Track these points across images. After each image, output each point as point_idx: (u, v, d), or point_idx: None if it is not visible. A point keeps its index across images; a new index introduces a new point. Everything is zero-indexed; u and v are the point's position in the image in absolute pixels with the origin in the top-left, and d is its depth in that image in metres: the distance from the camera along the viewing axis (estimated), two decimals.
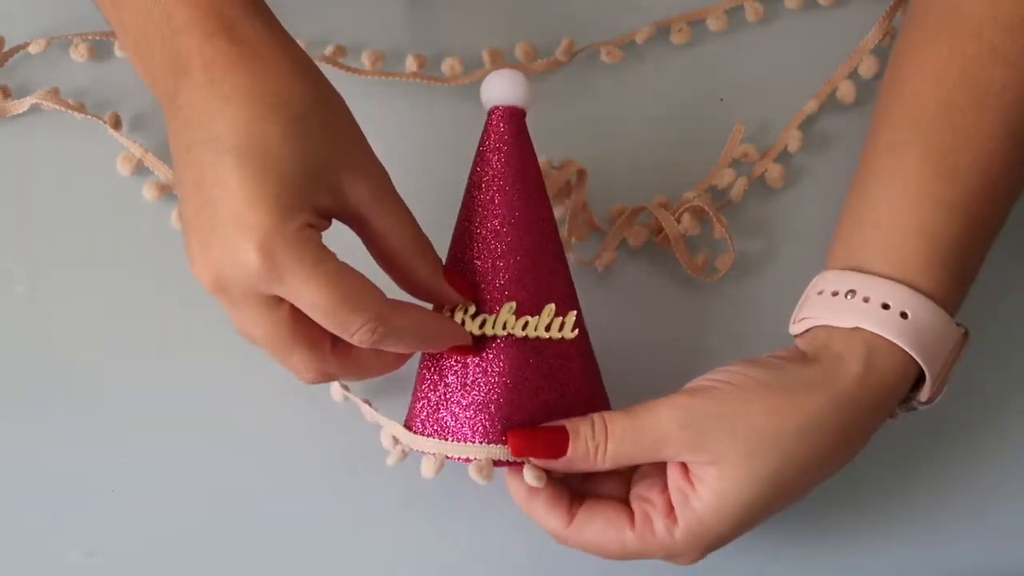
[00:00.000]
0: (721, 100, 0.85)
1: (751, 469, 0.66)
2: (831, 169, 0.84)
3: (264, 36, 0.62)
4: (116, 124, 0.82)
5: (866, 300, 0.68)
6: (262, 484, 0.78)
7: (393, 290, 0.66)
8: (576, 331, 0.70)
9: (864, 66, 0.84)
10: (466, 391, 0.69)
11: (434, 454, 0.70)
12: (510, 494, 0.71)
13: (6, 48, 0.83)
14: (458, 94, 0.84)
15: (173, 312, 0.80)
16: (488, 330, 0.69)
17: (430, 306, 0.69)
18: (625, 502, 0.70)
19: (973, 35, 0.71)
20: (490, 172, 0.70)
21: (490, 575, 0.79)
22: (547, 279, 0.70)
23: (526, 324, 0.69)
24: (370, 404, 0.74)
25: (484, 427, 0.69)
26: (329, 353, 0.65)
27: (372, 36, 0.85)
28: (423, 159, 0.82)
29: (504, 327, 0.69)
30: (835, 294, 0.70)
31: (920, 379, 0.70)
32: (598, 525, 0.69)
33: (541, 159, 0.74)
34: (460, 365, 0.69)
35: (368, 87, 0.83)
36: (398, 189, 0.66)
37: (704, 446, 0.67)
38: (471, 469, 0.68)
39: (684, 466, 0.68)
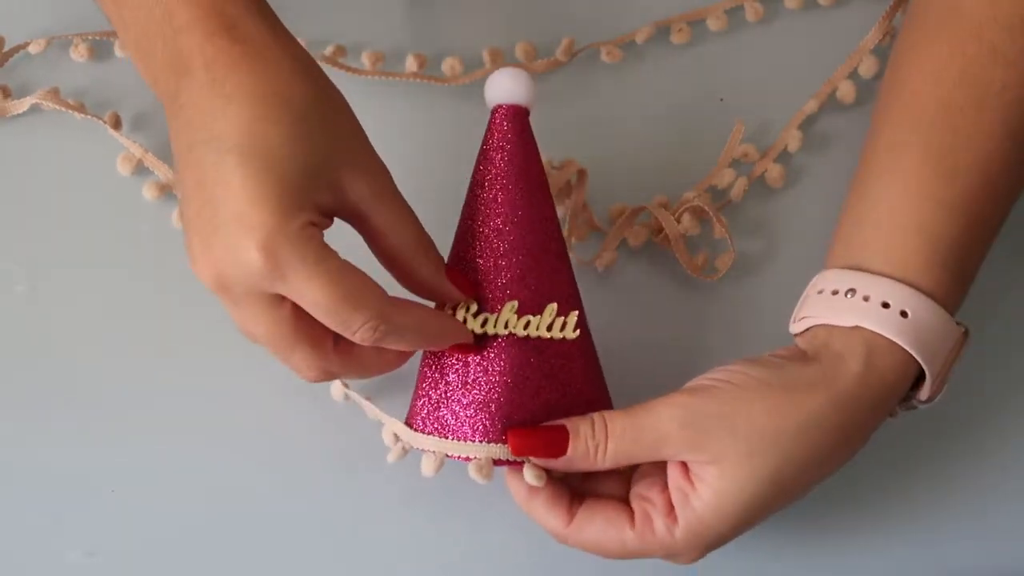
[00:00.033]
0: (721, 100, 0.85)
1: (751, 468, 0.66)
2: (831, 169, 0.84)
3: (266, 35, 0.63)
4: (116, 124, 0.82)
5: (866, 299, 0.68)
6: (262, 483, 0.78)
7: (395, 289, 0.66)
8: (577, 331, 0.70)
9: (864, 66, 0.84)
10: (467, 390, 0.69)
11: (434, 452, 0.70)
12: (510, 493, 0.71)
13: (6, 48, 0.83)
14: (458, 94, 0.84)
15: (173, 312, 0.80)
16: (490, 329, 0.69)
17: (432, 304, 0.69)
18: (625, 501, 0.70)
19: (973, 35, 0.71)
20: (493, 171, 0.70)
21: (490, 574, 0.79)
22: (549, 278, 0.70)
23: (528, 323, 0.69)
24: (371, 401, 0.74)
25: (484, 426, 0.69)
26: (331, 351, 0.65)
27: (372, 36, 0.85)
28: (423, 159, 0.82)
29: (506, 326, 0.69)
30: (835, 293, 0.70)
31: (920, 378, 0.70)
32: (598, 524, 0.69)
33: (542, 159, 0.74)
34: (461, 364, 0.69)
35: (368, 87, 0.83)
36: (398, 189, 0.66)
37: (704, 445, 0.67)
38: (471, 468, 0.68)
39: (684, 465, 0.68)
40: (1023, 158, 0.71)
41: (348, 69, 0.82)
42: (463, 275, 0.69)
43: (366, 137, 0.66)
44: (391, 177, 0.66)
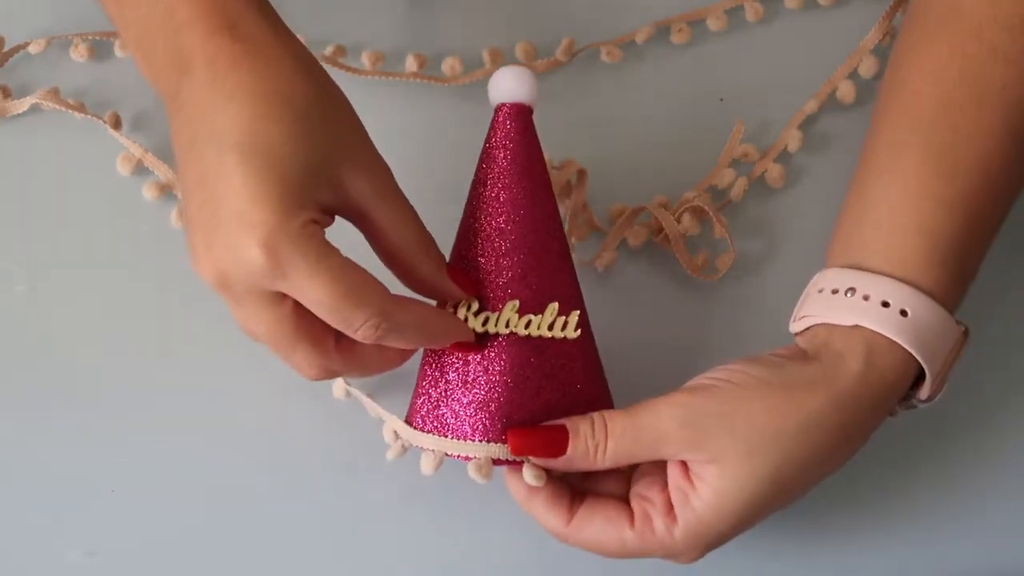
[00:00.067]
0: (721, 100, 0.85)
1: (751, 467, 0.66)
2: (831, 169, 0.84)
3: (267, 33, 0.63)
4: (116, 124, 0.82)
5: (866, 298, 0.68)
6: (262, 483, 0.78)
7: (396, 288, 0.66)
8: (579, 331, 0.70)
9: (864, 66, 0.84)
10: (467, 389, 0.69)
11: (433, 451, 0.70)
12: (510, 492, 0.71)
13: (6, 48, 0.83)
14: (458, 94, 0.84)
15: (173, 312, 0.80)
16: (491, 328, 0.69)
17: (433, 303, 0.69)
18: (625, 500, 0.70)
19: (973, 35, 0.71)
20: (496, 169, 0.70)
21: (490, 573, 0.79)
22: (551, 278, 0.70)
23: (529, 323, 0.69)
24: (372, 399, 0.74)
25: (484, 425, 0.69)
26: (332, 350, 0.65)
27: (372, 36, 0.85)
28: (423, 159, 0.82)
29: (507, 325, 0.69)
30: (835, 292, 0.70)
31: (920, 377, 0.70)
32: (598, 524, 0.69)
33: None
34: (461, 362, 0.69)
35: (368, 87, 0.83)
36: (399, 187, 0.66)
37: (704, 444, 0.67)
38: (470, 468, 0.68)
39: (684, 465, 0.68)
40: (1023, 156, 0.71)
41: (348, 69, 0.82)
42: (464, 274, 0.69)
43: (367, 135, 0.66)
44: (392, 175, 0.66)
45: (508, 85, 0.71)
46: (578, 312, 0.70)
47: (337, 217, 0.65)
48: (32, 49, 0.83)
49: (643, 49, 0.86)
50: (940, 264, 0.69)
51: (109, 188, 0.82)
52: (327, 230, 0.63)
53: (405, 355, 0.70)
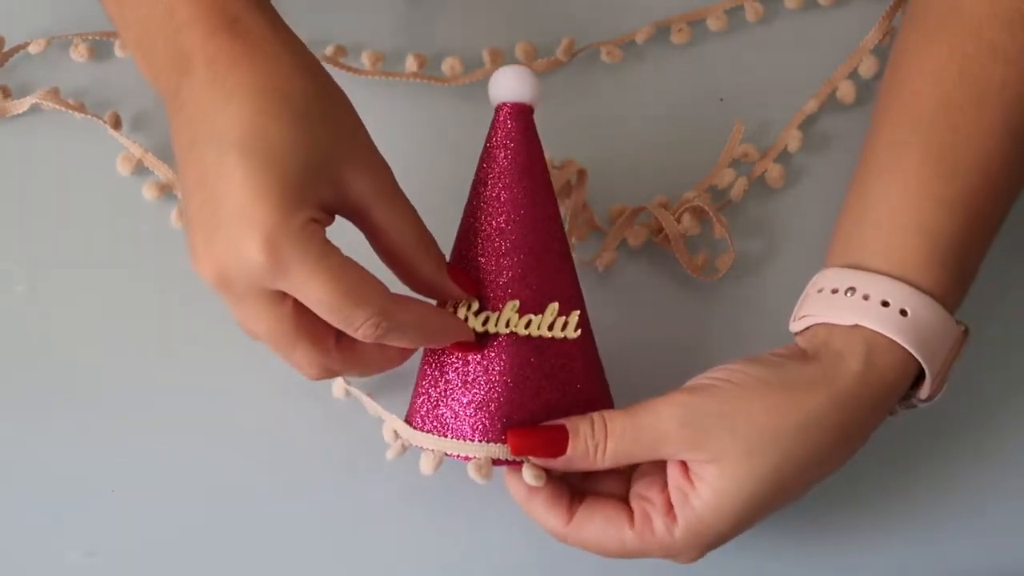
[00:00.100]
0: (721, 100, 0.85)
1: (751, 467, 0.66)
2: (831, 169, 0.84)
3: (266, 31, 0.63)
4: (116, 124, 0.82)
5: (866, 297, 0.68)
6: (262, 483, 0.78)
7: (396, 288, 0.66)
8: (579, 331, 0.70)
9: (864, 66, 0.84)
10: (467, 389, 0.69)
11: (433, 451, 0.70)
12: (510, 492, 0.71)
13: (6, 48, 0.83)
14: (458, 94, 0.84)
15: (173, 312, 0.80)
16: (491, 327, 0.69)
17: (434, 303, 0.69)
18: (625, 500, 0.70)
19: (973, 33, 0.71)
20: (496, 169, 0.70)
21: (490, 573, 0.79)
22: (551, 278, 0.70)
23: (529, 322, 0.69)
24: (372, 399, 0.74)
25: (484, 425, 0.69)
26: (333, 349, 0.65)
27: (372, 36, 0.85)
28: (423, 159, 0.82)
29: (507, 325, 0.69)
30: (835, 292, 0.70)
31: (920, 376, 0.70)
32: (597, 524, 0.69)
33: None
34: (461, 362, 0.69)
35: (368, 87, 0.83)
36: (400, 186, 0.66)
37: (704, 444, 0.66)
38: (470, 468, 0.68)
39: (684, 464, 0.68)
40: (1023, 155, 0.71)
41: (348, 69, 0.82)
42: (465, 273, 0.69)
43: (367, 133, 0.66)
44: (392, 174, 0.66)
45: (509, 84, 0.71)
46: (578, 312, 0.70)
47: (337, 216, 0.65)
48: (32, 49, 0.83)
49: (643, 49, 0.86)
50: (940, 264, 0.69)
51: (109, 188, 0.82)
52: (327, 229, 0.63)
53: (405, 354, 0.70)
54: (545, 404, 0.69)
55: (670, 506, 0.68)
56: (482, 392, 0.69)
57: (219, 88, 0.61)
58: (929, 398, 0.71)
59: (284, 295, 0.62)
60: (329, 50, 0.83)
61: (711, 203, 0.80)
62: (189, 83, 0.62)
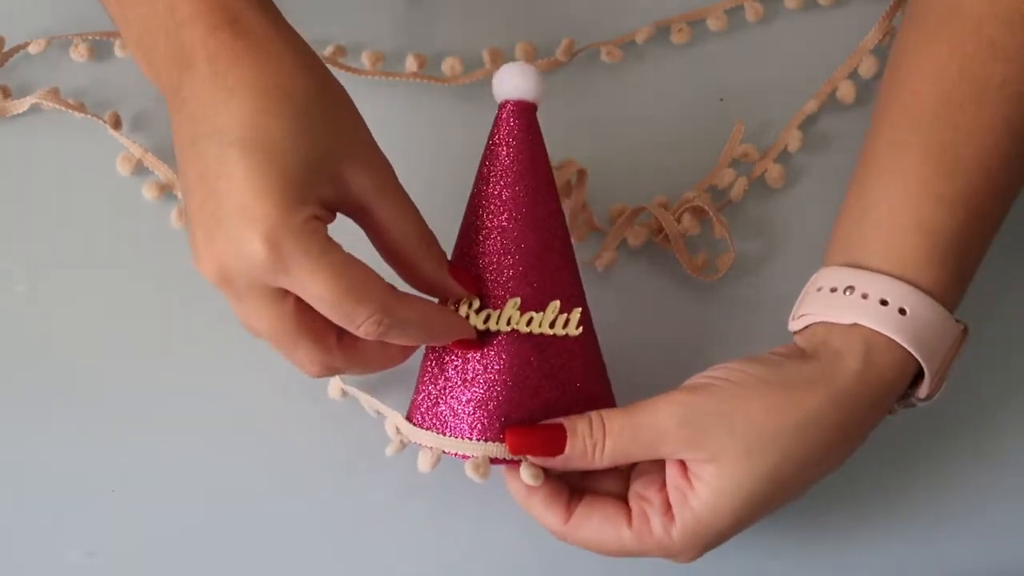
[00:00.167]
0: (721, 100, 0.85)
1: (750, 466, 0.66)
2: (831, 169, 0.84)
3: (268, 28, 0.63)
4: (116, 124, 0.82)
5: (865, 296, 0.68)
6: (262, 483, 0.78)
7: (398, 286, 0.66)
8: (580, 328, 0.70)
9: (864, 66, 0.84)
10: (466, 387, 0.69)
11: (431, 448, 0.70)
12: (509, 491, 0.71)
13: (6, 48, 0.83)
14: (458, 94, 0.84)
15: (173, 312, 0.80)
16: (492, 325, 0.69)
17: (435, 300, 0.69)
18: (623, 499, 0.70)
19: (972, 32, 0.71)
20: (498, 167, 0.70)
21: (490, 573, 0.79)
22: (553, 276, 0.70)
23: (530, 320, 0.69)
24: (372, 396, 0.74)
25: (482, 424, 0.69)
26: (334, 346, 0.66)
27: (372, 36, 0.85)
28: (423, 159, 0.82)
29: (508, 323, 0.69)
30: (834, 290, 0.70)
31: (919, 375, 0.69)
32: (595, 523, 0.69)
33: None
34: (461, 360, 0.69)
35: (368, 87, 0.83)
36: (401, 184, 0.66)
37: (702, 443, 0.66)
38: (468, 467, 0.68)
39: (683, 464, 0.68)
40: (1023, 153, 0.71)
41: (348, 69, 0.82)
42: (466, 271, 0.69)
43: (368, 131, 0.66)
44: (393, 171, 0.66)
45: (514, 81, 0.71)
46: (579, 310, 0.70)
47: (339, 215, 0.65)
48: (32, 49, 0.83)
49: (643, 49, 0.86)
50: (940, 263, 0.69)
51: (109, 188, 0.82)
52: (329, 227, 0.63)
53: (407, 352, 0.70)
54: (544, 403, 0.69)
55: (668, 506, 0.68)
56: (481, 390, 0.69)
57: (220, 85, 0.61)
58: (928, 397, 0.71)
59: (286, 292, 0.62)
60: (329, 50, 0.83)
61: (711, 203, 0.80)
62: (190, 80, 0.62)
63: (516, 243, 0.69)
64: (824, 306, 0.70)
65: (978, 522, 0.80)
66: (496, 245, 0.69)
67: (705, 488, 0.67)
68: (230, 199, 0.60)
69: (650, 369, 0.78)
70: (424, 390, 0.71)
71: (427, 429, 0.70)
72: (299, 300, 0.62)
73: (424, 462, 0.70)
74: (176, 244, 0.77)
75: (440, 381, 0.70)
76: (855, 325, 0.68)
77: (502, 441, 0.69)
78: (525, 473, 0.68)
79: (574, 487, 0.71)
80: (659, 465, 0.70)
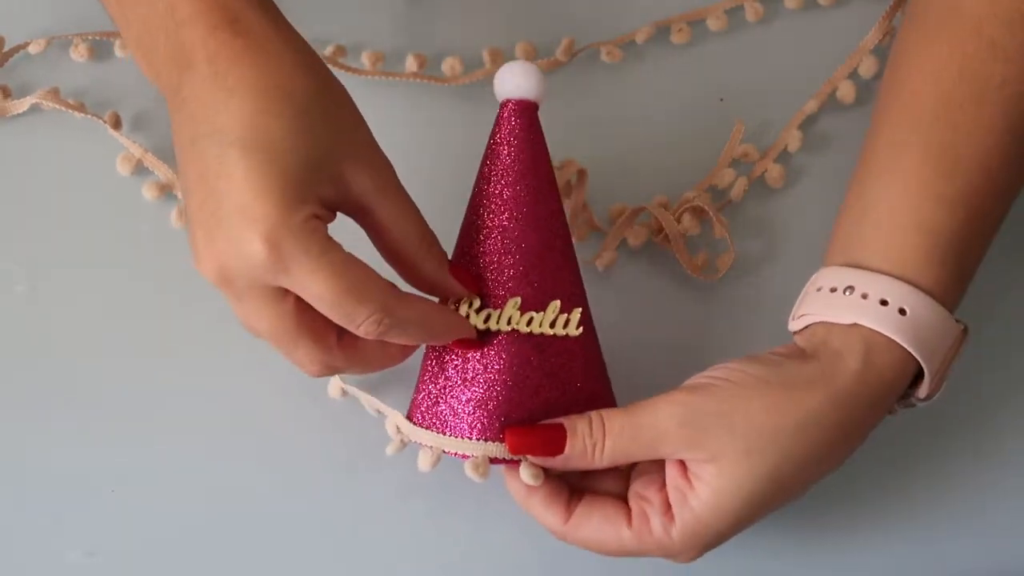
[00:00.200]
0: (721, 100, 0.85)
1: (749, 466, 0.66)
2: (831, 169, 0.84)
3: (268, 28, 0.63)
4: (116, 124, 0.82)
5: (864, 296, 0.68)
6: (262, 483, 0.78)
7: (398, 286, 0.66)
8: (580, 328, 0.70)
9: (864, 66, 0.84)
10: (466, 386, 0.69)
11: (431, 447, 0.70)
12: (509, 490, 0.71)
13: (6, 48, 0.83)
14: (458, 94, 0.84)
15: (173, 312, 0.80)
16: (492, 325, 0.69)
17: (435, 300, 0.69)
18: (623, 499, 0.70)
19: (972, 32, 0.71)
20: (499, 166, 0.70)
21: (490, 573, 0.79)
22: (553, 275, 0.70)
23: (531, 320, 0.69)
24: (373, 395, 0.74)
25: (482, 424, 0.69)
26: (335, 346, 0.66)
27: (372, 36, 0.85)
28: (424, 159, 0.82)
29: (509, 322, 0.69)
30: (833, 290, 0.70)
31: (919, 375, 0.69)
32: (595, 523, 0.69)
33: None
34: (461, 360, 0.69)
35: (368, 87, 0.83)
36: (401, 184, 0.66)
37: (702, 443, 0.66)
38: (467, 467, 0.68)
39: (682, 464, 0.68)
40: (1023, 153, 0.71)
41: (348, 69, 0.82)
42: (466, 270, 0.69)
43: (369, 130, 0.66)
44: (394, 170, 0.66)
45: (515, 80, 0.71)
46: (580, 310, 0.70)
47: (339, 215, 0.65)
48: (32, 49, 0.83)
49: (643, 49, 0.86)
50: (940, 263, 0.69)
51: (109, 188, 0.82)
52: (329, 227, 0.63)
53: (407, 351, 0.70)
54: (544, 403, 0.69)
55: (668, 506, 0.68)
56: (481, 390, 0.69)
57: (220, 85, 0.61)
58: (928, 397, 0.71)
59: (286, 292, 0.62)
60: (329, 50, 0.83)
61: (711, 203, 0.80)
62: (190, 80, 0.62)
63: (517, 242, 0.69)
64: (824, 306, 0.70)
65: (978, 522, 0.81)
66: (497, 244, 0.69)
67: (705, 488, 0.67)
68: (230, 199, 0.60)
69: (650, 369, 0.78)
70: (424, 389, 0.71)
71: (427, 428, 0.70)
72: (299, 300, 0.62)
73: (424, 461, 0.70)
74: (176, 244, 0.77)
75: (440, 380, 0.70)
76: (855, 325, 0.68)
77: (502, 441, 0.69)
78: (525, 473, 0.68)
79: (574, 487, 0.71)
80: (659, 465, 0.70)
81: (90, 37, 0.83)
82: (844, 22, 0.86)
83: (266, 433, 0.79)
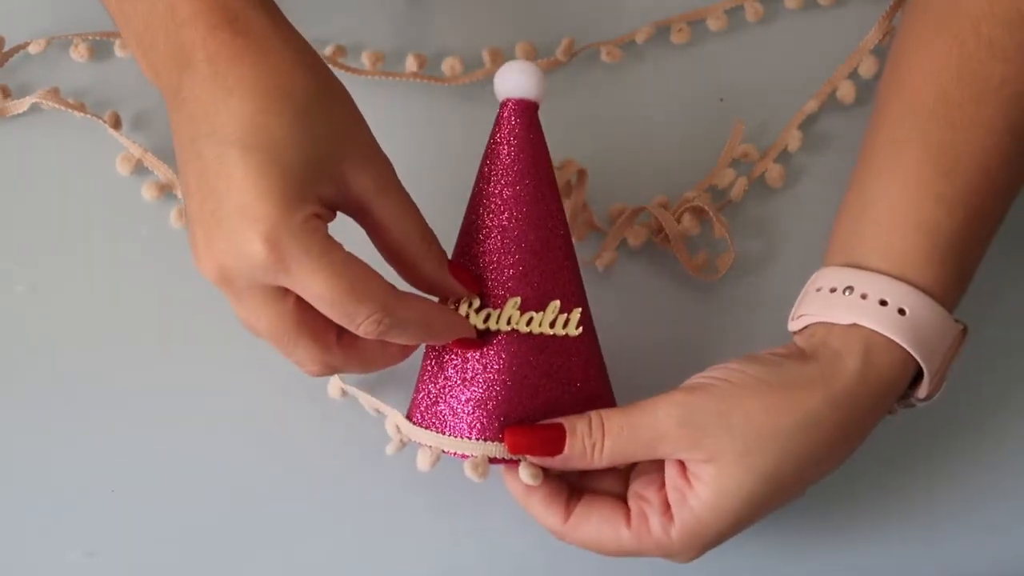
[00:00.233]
0: (721, 100, 0.85)
1: (749, 466, 0.66)
2: (831, 169, 0.84)
3: (268, 28, 0.63)
4: (116, 124, 0.82)
5: (864, 296, 0.68)
6: (262, 483, 0.78)
7: (398, 286, 0.66)
8: (580, 328, 0.70)
9: (864, 66, 0.84)
10: (465, 386, 0.69)
11: (430, 447, 0.70)
12: (509, 490, 0.71)
13: (6, 48, 0.83)
14: (458, 94, 0.84)
15: (173, 312, 0.80)
16: (492, 325, 0.69)
17: (435, 300, 0.69)
18: (623, 499, 0.70)
19: (971, 31, 0.71)
20: (499, 166, 0.70)
21: (490, 572, 0.79)
22: (553, 275, 0.70)
23: (530, 320, 0.69)
24: (372, 394, 0.74)
25: (481, 424, 0.69)
26: (334, 345, 0.65)
27: (372, 36, 0.85)
28: (424, 159, 0.82)
29: (508, 322, 0.69)
30: (833, 291, 0.70)
31: (918, 375, 0.69)
32: (594, 523, 0.69)
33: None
34: (460, 359, 0.69)
35: (368, 87, 0.83)
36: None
37: (702, 443, 0.66)
38: (466, 467, 0.68)
39: (682, 464, 0.68)
40: (1022, 152, 0.71)
41: (348, 69, 0.82)
42: (466, 270, 0.69)
43: (369, 130, 0.66)
44: (394, 170, 0.66)
45: (516, 79, 0.71)
46: (580, 310, 0.70)
47: (339, 214, 0.65)
48: (32, 49, 0.83)
49: (643, 49, 0.86)
50: (939, 262, 0.69)
51: (109, 188, 0.82)
52: (329, 227, 0.63)
53: (407, 351, 0.70)
54: (544, 403, 0.69)
55: (667, 506, 0.68)
56: (480, 390, 0.69)
57: (220, 85, 0.61)
58: (928, 397, 0.70)
59: (286, 291, 0.62)
60: (329, 50, 0.83)
61: (711, 203, 0.80)
62: (190, 80, 0.62)
63: (517, 242, 0.69)
64: (823, 306, 0.70)
65: (978, 522, 0.80)
66: (497, 244, 0.69)
67: (704, 488, 0.67)
68: (230, 199, 0.60)
69: (650, 369, 0.77)
70: (424, 389, 0.71)
71: (427, 428, 0.70)
72: (299, 299, 0.62)
73: (423, 461, 0.70)
74: (176, 244, 0.77)
75: (440, 380, 0.70)
76: (854, 325, 0.68)
77: (501, 441, 0.69)
78: (524, 473, 0.68)
79: (573, 487, 0.71)
80: (658, 465, 0.70)
81: (90, 37, 0.83)
82: (844, 22, 0.86)
83: (266, 433, 0.79)
